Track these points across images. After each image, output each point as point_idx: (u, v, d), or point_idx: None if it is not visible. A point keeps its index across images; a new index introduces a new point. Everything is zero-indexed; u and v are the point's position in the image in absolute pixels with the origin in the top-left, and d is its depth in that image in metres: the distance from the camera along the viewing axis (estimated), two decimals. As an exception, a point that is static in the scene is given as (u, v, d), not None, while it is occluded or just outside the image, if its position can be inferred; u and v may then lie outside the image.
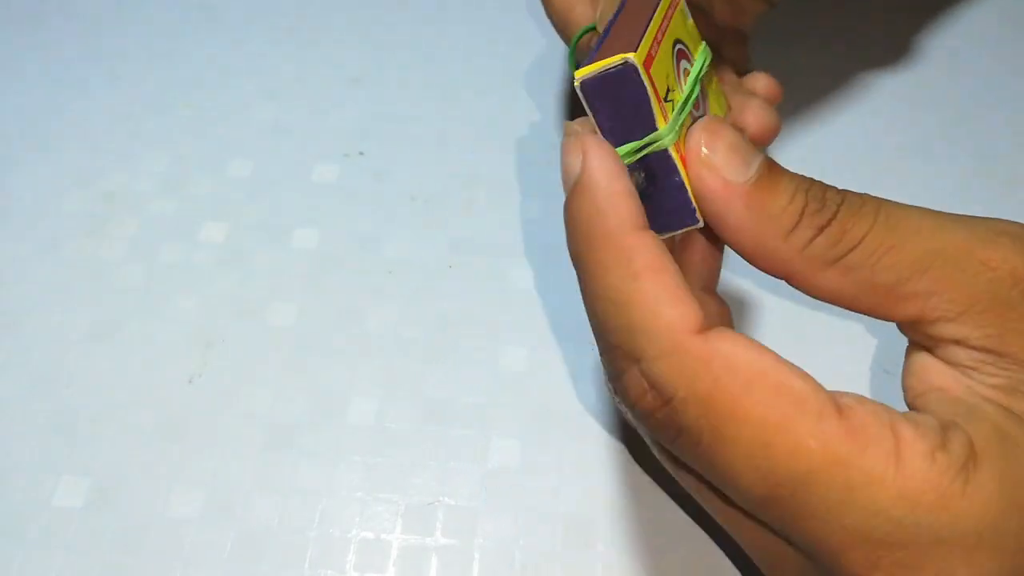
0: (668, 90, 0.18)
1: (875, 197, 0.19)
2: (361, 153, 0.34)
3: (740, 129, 0.20)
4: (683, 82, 0.19)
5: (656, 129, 0.18)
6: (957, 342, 0.18)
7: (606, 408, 0.28)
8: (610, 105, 0.18)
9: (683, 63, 0.20)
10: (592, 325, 0.19)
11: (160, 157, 0.34)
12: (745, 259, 0.19)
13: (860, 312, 0.19)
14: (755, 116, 0.25)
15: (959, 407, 0.18)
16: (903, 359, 0.20)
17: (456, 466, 0.26)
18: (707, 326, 0.17)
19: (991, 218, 0.19)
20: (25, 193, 0.32)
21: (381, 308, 0.30)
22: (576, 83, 0.18)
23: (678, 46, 0.20)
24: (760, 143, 0.26)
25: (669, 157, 0.18)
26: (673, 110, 0.18)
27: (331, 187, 0.33)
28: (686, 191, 0.18)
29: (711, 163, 0.18)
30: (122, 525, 0.25)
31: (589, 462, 0.26)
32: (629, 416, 0.20)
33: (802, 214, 0.18)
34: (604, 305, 0.18)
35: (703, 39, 0.21)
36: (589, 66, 0.18)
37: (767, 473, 0.17)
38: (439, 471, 0.26)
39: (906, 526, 0.16)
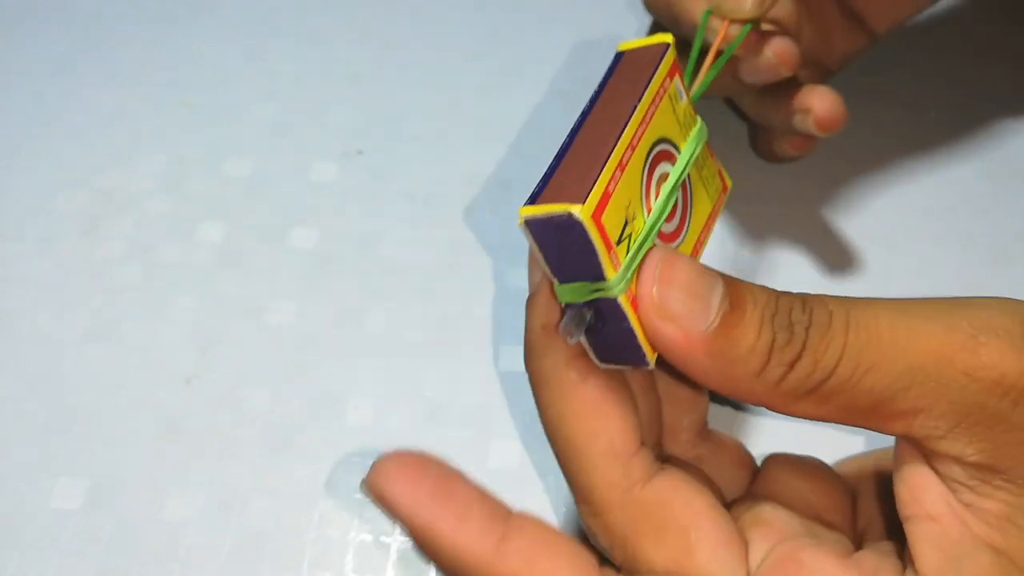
0: (627, 222, 0.17)
1: (840, 303, 0.17)
2: (360, 152, 0.34)
3: (697, 251, 0.20)
4: (653, 197, 0.18)
5: (604, 279, 0.17)
6: (952, 459, 0.17)
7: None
8: (557, 247, 0.17)
9: (661, 167, 0.18)
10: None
11: (157, 156, 0.33)
12: (724, 395, 0.18)
13: (854, 426, 0.18)
14: (820, 100, 0.25)
15: (950, 558, 0.17)
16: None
17: (456, 467, 0.26)
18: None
19: (974, 302, 0.17)
20: (21, 192, 0.32)
21: (380, 308, 0.29)
22: (520, 220, 0.17)
23: (658, 148, 0.18)
24: (826, 131, 0.25)
25: (618, 306, 0.17)
26: (628, 251, 0.17)
27: (330, 186, 0.33)
28: (635, 337, 0.17)
29: (666, 314, 0.17)
30: (119, 527, 0.25)
31: (589, 463, 0.26)
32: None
33: (770, 351, 0.17)
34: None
35: (698, 117, 0.20)
36: (534, 206, 0.17)
37: None
38: (438, 472, 0.26)
39: None
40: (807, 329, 0.17)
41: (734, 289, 0.17)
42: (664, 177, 0.19)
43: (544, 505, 0.25)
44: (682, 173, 0.19)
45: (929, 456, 0.18)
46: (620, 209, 0.17)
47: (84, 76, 0.36)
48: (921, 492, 0.18)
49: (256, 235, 0.31)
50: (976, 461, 0.17)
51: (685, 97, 0.19)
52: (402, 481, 0.18)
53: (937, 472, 0.18)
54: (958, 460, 0.17)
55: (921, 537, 0.18)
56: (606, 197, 0.16)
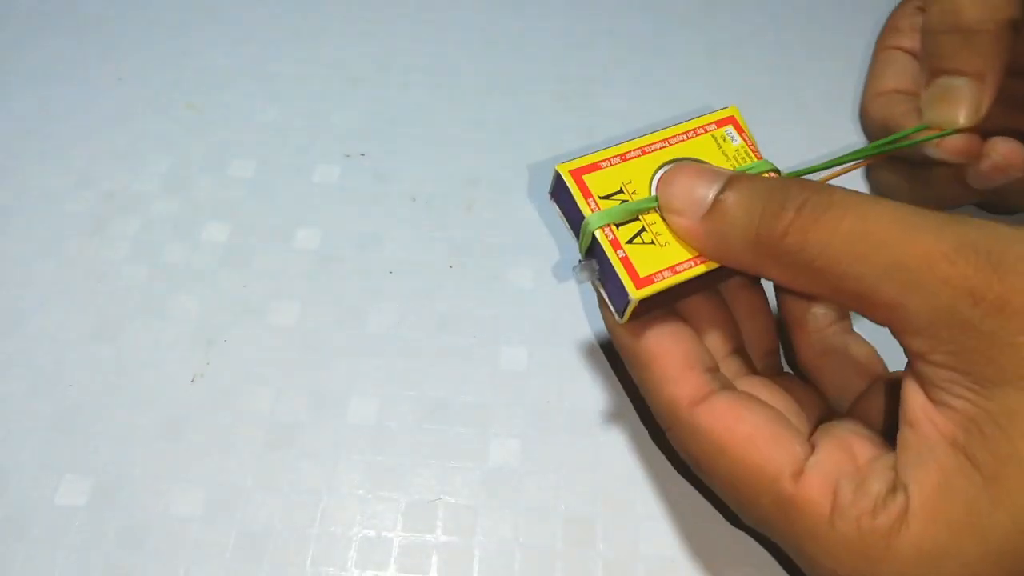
0: (621, 190, 0.22)
1: (845, 196, 0.19)
2: (362, 154, 0.34)
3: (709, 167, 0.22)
4: (654, 189, 0.22)
5: (583, 217, 0.21)
6: (922, 357, 0.19)
7: (606, 407, 0.28)
8: (565, 207, 0.22)
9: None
10: None
11: (162, 158, 0.34)
12: (737, 271, 0.21)
13: (849, 310, 0.20)
14: (1002, 146, 0.26)
15: (915, 453, 0.19)
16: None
17: (456, 465, 0.26)
18: (700, 397, 0.21)
19: (967, 220, 0.18)
20: (28, 193, 0.32)
21: (382, 308, 0.30)
22: (549, 197, 0.23)
23: (670, 165, 0.22)
24: (1006, 173, 0.27)
25: (597, 241, 0.21)
26: (613, 205, 0.21)
27: (332, 187, 0.33)
28: (614, 270, 0.21)
29: (672, 205, 0.21)
30: (124, 524, 0.25)
31: (589, 461, 0.27)
32: None
33: (760, 222, 0.19)
34: (639, 388, 0.23)
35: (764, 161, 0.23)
36: (551, 184, 0.23)
37: (742, 511, 0.22)
38: (440, 470, 0.26)
39: (837, 575, 0.19)
40: (799, 209, 0.19)
41: (733, 179, 0.21)
42: None
43: (544, 503, 0.26)
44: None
45: (913, 364, 0.19)
46: (614, 181, 0.22)
47: (90, 79, 0.36)
48: (908, 402, 0.20)
49: (260, 236, 0.31)
50: (944, 362, 0.18)
51: (739, 141, 0.23)
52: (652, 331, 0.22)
53: (917, 378, 0.19)
54: (928, 359, 0.19)
55: (902, 440, 0.20)
56: (593, 167, 0.22)
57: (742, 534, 0.25)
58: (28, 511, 0.25)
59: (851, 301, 0.19)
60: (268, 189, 0.33)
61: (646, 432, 0.27)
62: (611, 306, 0.22)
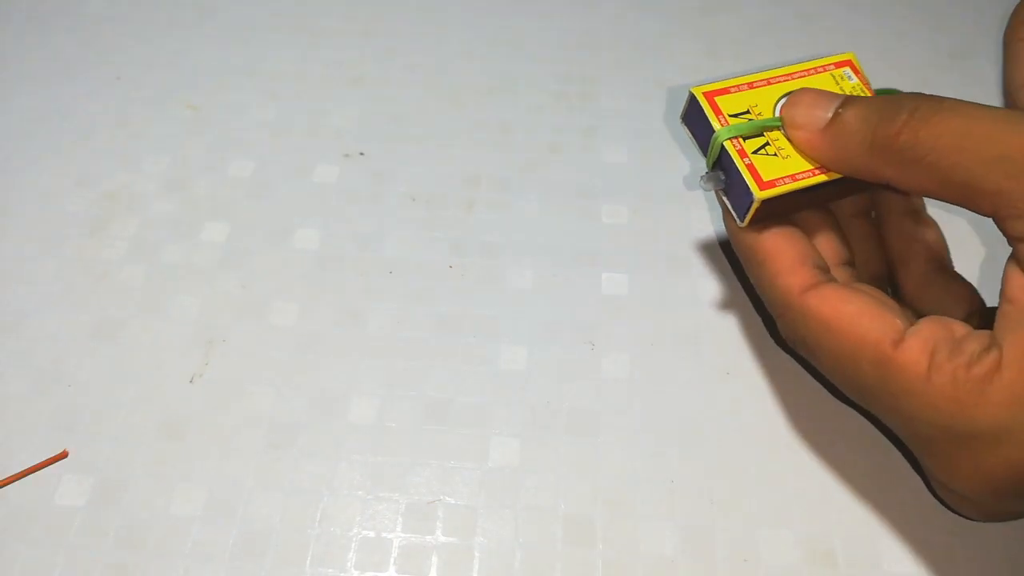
0: (748, 111, 0.24)
1: (955, 102, 0.21)
2: (362, 154, 0.34)
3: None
4: (777, 113, 0.24)
5: (714, 131, 0.23)
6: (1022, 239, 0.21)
7: (605, 406, 0.28)
8: (697, 128, 0.24)
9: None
10: None
11: (161, 157, 0.34)
12: (855, 178, 0.23)
13: (956, 205, 0.21)
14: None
15: (1013, 321, 0.21)
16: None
17: (456, 465, 0.26)
18: (810, 286, 0.23)
19: None
20: (27, 194, 0.32)
21: (382, 308, 0.30)
22: (680, 121, 0.25)
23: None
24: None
25: (726, 150, 0.23)
26: (746, 122, 0.24)
27: (332, 187, 0.33)
28: (740, 174, 0.23)
29: (794, 123, 0.23)
30: (124, 523, 0.25)
31: (589, 461, 0.27)
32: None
33: (876, 129, 0.22)
34: (755, 286, 0.25)
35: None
36: (682, 109, 0.25)
37: (847, 386, 0.24)
38: (439, 470, 0.26)
39: (936, 426, 0.21)
40: (912, 112, 0.21)
41: (849, 97, 0.23)
42: None
43: (544, 502, 0.26)
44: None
45: (1013, 245, 0.21)
46: (741, 103, 0.24)
47: (89, 79, 0.36)
48: (1010, 284, 0.21)
49: (259, 236, 0.31)
50: None
51: (855, 80, 0.25)
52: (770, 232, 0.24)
53: (1019, 262, 0.21)
54: None
55: (1000, 314, 0.21)
56: (723, 91, 0.24)
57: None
58: (28, 511, 0.25)
59: (958, 193, 0.21)
60: (268, 189, 0.33)
61: (646, 431, 0.27)
62: (733, 211, 0.24)
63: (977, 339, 0.21)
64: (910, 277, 0.27)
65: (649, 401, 0.28)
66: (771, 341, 0.29)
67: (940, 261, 0.27)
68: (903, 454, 0.27)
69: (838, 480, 0.26)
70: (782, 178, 0.23)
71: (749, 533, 0.25)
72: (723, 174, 0.24)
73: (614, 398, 0.28)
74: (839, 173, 0.23)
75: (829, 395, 0.28)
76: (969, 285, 0.26)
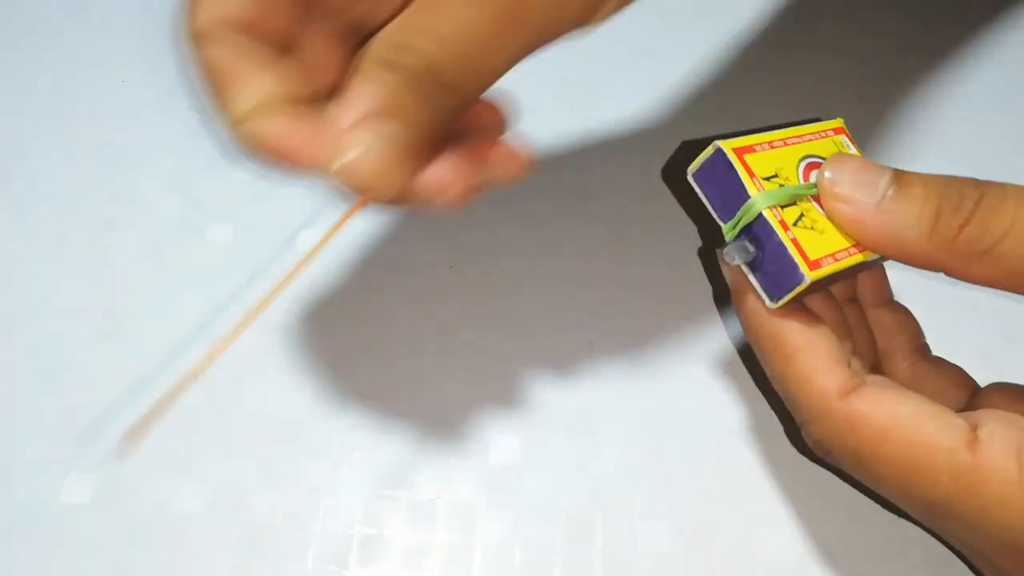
0: (776, 175, 0.21)
1: (1017, 189, 0.20)
2: (364, 155, 0.34)
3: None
4: (802, 179, 0.22)
5: (748, 196, 0.21)
6: None
7: (605, 405, 0.28)
8: (714, 187, 0.22)
9: (812, 173, 0.22)
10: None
11: (166, 159, 0.34)
12: (901, 262, 0.21)
13: (1021, 293, 0.20)
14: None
15: None
16: None
17: (457, 463, 0.27)
18: (851, 388, 0.21)
19: None
20: (32, 195, 0.33)
21: (383, 308, 0.30)
22: (688, 176, 0.22)
23: (809, 159, 0.23)
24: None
25: (766, 220, 0.21)
26: (774, 188, 0.21)
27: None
28: (786, 250, 0.20)
29: (839, 193, 0.21)
30: (128, 521, 0.25)
31: (589, 459, 0.27)
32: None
33: (938, 215, 0.20)
34: (774, 382, 0.23)
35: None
36: (694, 161, 0.22)
37: (914, 500, 0.21)
38: (441, 468, 0.26)
39: None
40: (977, 202, 0.20)
41: (902, 174, 0.21)
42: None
43: (544, 502, 0.26)
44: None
45: None
46: (769, 165, 0.21)
47: (94, 81, 0.36)
48: None
49: (263, 236, 0.32)
50: None
51: (854, 150, 0.24)
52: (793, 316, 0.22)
53: None
54: None
55: None
56: (749, 148, 0.21)
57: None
58: (32, 510, 0.25)
59: None
60: (272, 190, 0.33)
61: (646, 431, 0.27)
62: (762, 291, 0.21)
63: None
64: (900, 368, 0.25)
65: (649, 400, 0.28)
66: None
67: (924, 348, 0.26)
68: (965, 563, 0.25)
69: (837, 479, 0.27)
70: (825, 257, 0.21)
71: (748, 531, 0.25)
72: (751, 245, 0.21)
73: (614, 397, 0.28)
74: (883, 255, 0.21)
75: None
76: (958, 367, 0.25)
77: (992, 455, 0.19)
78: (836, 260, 0.21)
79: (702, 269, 0.31)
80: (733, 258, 0.21)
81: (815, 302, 0.24)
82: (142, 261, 0.31)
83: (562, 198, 0.34)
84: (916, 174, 0.21)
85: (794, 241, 0.20)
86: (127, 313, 0.29)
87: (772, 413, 0.28)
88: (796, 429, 0.24)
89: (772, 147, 0.22)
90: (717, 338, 0.30)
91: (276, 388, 0.28)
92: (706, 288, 0.31)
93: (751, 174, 0.21)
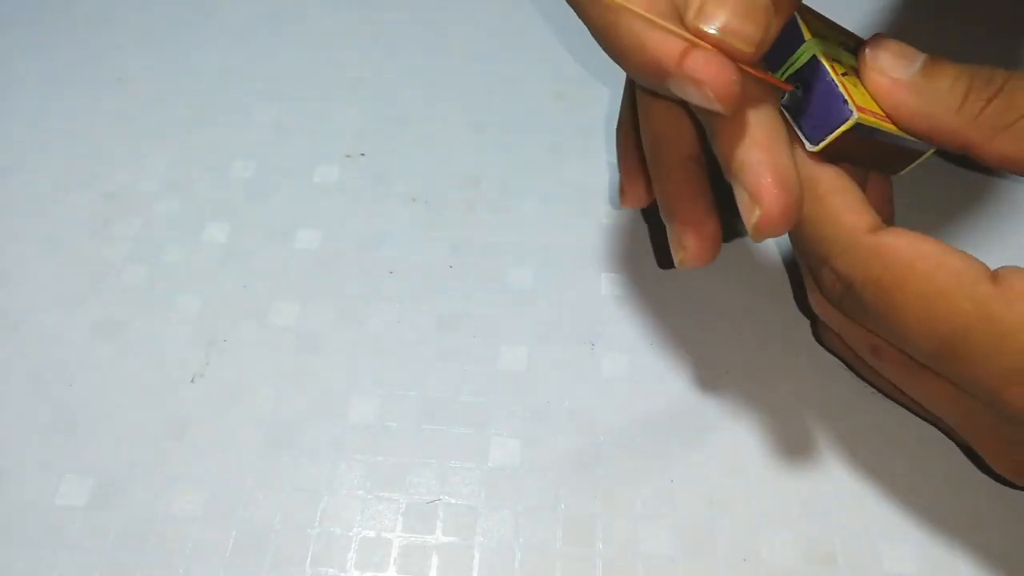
0: (825, 39, 0.22)
1: None
2: (362, 154, 0.34)
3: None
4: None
5: (804, 40, 0.22)
6: None
7: (605, 406, 0.28)
8: (777, 41, 0.22)
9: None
10: (797, 248, 0.24)
11: (162, 158, 0.34)
12: (925, 140, 0.22)
13: None
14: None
15: None
16: None
17: (456, 465, 0.26)
18: (879, 226, 0.22)
19: None
20: (27, 193, 0.32)
21: (382, 308, 0.30)
22: None
23: (843, 46, 0.23)
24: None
25: (819, 61, 0.21)
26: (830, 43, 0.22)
27: (332, 188, 0.33)
28: (836, 88, 0.21)
29: (878, 66, 0.22)
30: (125, 523, 0.25)
31: (589, 461, 0.27)
32: (826, 306, 0.25)
33: (968, 91, 0.21)
34: (804, 225, 0.23)
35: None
36: None
37: (931, 330, 0.21)
38: (440, 470, 0.26)
39: None
40: (1006, 79, 0.21)
41: (936, 56, 0.22)
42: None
43: (545, 502, 0.26)
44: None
45: None
46: (820, 29, 0.23)
47: (91, 79, 0.36)
48: None
49: (260, 236, 0.32)
50: None
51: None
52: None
53: None
54: None
55: None
56: (808, 10, 0.23)
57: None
58: (28, 511, 0.25)
59: None
60: (268, 189, 0.33)
61: (646, 431, 0.27)
62: (805, 135, 0.22)
63: None
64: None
65: (649, 401, 0.28)
66: (770, 340, 0.29)
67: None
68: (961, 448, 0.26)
69: (838, 479, 0.26)
70: (868, 110, 0.21)
71: (749, 533, 0.25)
72: (800, 90, 0.22)
73: (614, 398, 0.28)
74: (913, 132, 0.22)
75: (829, 394, 0.28)
76: None
77: (1014, 285, 0.20)
78: (877, 118, 0.21)
79: (700, 270, 0.31)
80: (792, 101, 0.22)
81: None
82: (138, 260, 0.31)
83: (561, 197, 0.33)
84: (949, 59, 0.22)
85: (844, 85, 0.21)
86: (124, 313, 0.29)
87: (773, 413, 0.28)
88: (804, 296, 0.25)
89: (822, 21, 0.23)
90: (718, 338, 0.29)
91: (274, 389, 0.28)
92: (708, 290, 0.31)
93: (806, 23, 0.22)
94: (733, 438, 0.27)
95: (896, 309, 0.21)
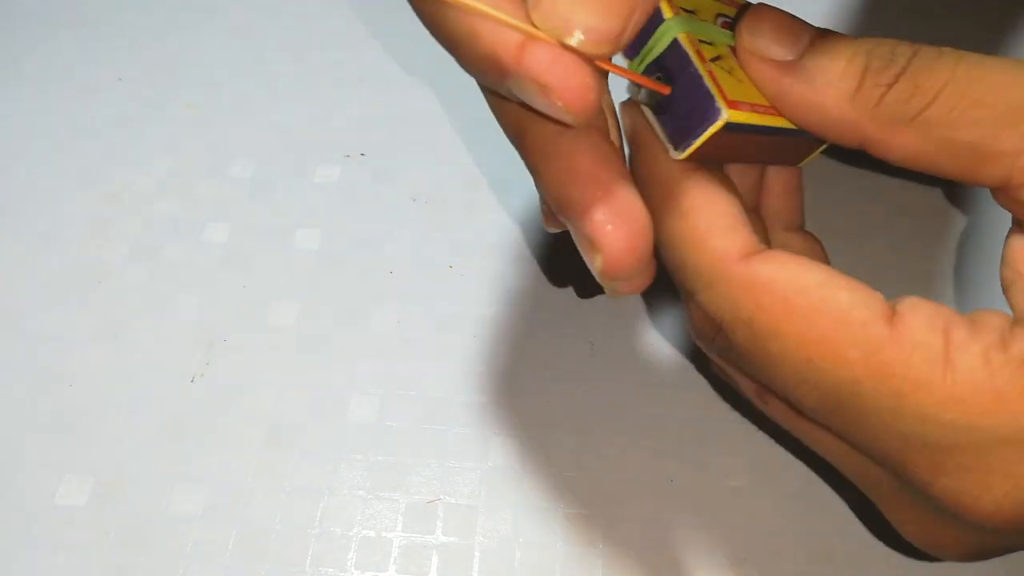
0: (694, 13, 0.18)
1: (954, 49, 0.17)
2: (362, 154, 0.34)
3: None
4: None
5: (664, 20, 0.17)
6: None
7: (605, 405, 0.28)
8: None
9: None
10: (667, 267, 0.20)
11: (162, 158, 0.34)
12: (819, 135, 0.18)
13: (945, 176, 0.17)
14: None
15: None
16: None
17: (456, 464, 0.26)
18: (753, 251, 0.17)
19: None
20: (28, 194, 0.32)
21: (382, 308, 0.30)
22: None
23: (724, 18, 0.19)
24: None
25: (680, 47, 0.17)
26: (698, 21, 0.18)
27: (332, 188, 0.33)
28: (703, 81, 0.17)
29: (757, 47, 0.18)
30: (125, 523, 0.25)
31: (588, 460, 0.27)
32: (701, 344, 0.20)
33: (864, 73, 0.17)
34: (663, 247, 0.19)
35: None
36: None
37: (814, 385, 0.17)
38: (439, 469, 0.26)
39: (961, 429, 0.16)
40: (910, 58, 0.17)
41: (828, 32, 0.18)
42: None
43: (544, 503, 0.26)
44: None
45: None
46: (683, 2, 0.18)
47: (90, 80, 0.36)
48: (1018, 259, 0.17)
49: (260, 236, 0.32)
50: None
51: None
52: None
53: None
54: None
55: (1015, 295, 0.17)
56: None
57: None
58: (28, 511, 0.25)
59: (959, 156, 0.17)
60: (268, 189, 0.33)
61: (646, 431, 0.27)
62: (667, 137, 0.18)
63: (995, 315, 0.16)
64: (777, 227, 0.22)
65: (649, 401, 0.28)
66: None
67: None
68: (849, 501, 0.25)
69: (839, 480, 0.26)
70: (744, 103, 0.17)
71: (749, 533, 0.25)
72: (660, 77, 0.18)
73: (614, 398, 0.28)
74: (801, 125, 0.18)
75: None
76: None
77: (913, 329, 0.16)
78: (756, 112, 0.17)
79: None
80: (638, 94, 0.18)
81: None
82: (138, 261, 0.31)
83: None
84: (844, 34, 0.18)
85: (711, 75, 0.17)
86: (124, 313, 0.29)
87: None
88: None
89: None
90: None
91: (274, 389, 0.28)
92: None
93: (669, 1, 0.18)
94: (733, 437, 0.27)
95: (771, 357, 0.17)
